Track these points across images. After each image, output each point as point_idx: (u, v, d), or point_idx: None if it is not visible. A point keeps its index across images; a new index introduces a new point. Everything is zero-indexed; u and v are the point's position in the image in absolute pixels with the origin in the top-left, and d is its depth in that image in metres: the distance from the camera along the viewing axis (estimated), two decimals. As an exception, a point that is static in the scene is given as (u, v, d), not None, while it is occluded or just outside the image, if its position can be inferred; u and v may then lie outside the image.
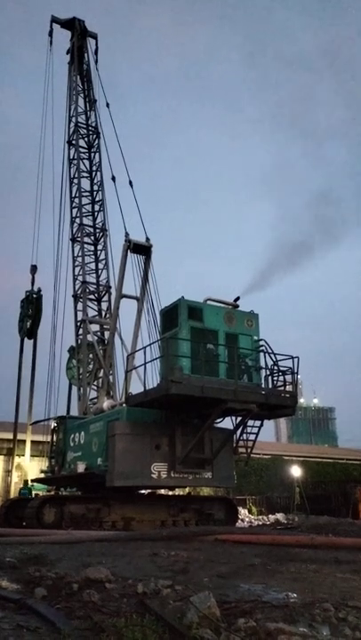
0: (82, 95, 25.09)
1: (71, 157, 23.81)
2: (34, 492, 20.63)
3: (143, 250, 19.41)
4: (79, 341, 21.39)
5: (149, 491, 16.76)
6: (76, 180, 23.32)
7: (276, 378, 14.76)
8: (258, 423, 15.27)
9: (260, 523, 23.93)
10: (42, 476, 19.73)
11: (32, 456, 25.20)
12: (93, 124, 24.55)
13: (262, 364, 14.81)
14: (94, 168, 24.02)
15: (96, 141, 24.29)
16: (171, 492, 18.03)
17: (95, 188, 23.72)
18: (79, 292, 21.89)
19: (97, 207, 23.46)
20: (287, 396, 14.79)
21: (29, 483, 22.23)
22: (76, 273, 22.21)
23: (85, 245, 22.56)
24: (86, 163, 24.08)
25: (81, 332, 21.41)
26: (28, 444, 24.99)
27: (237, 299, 15.53)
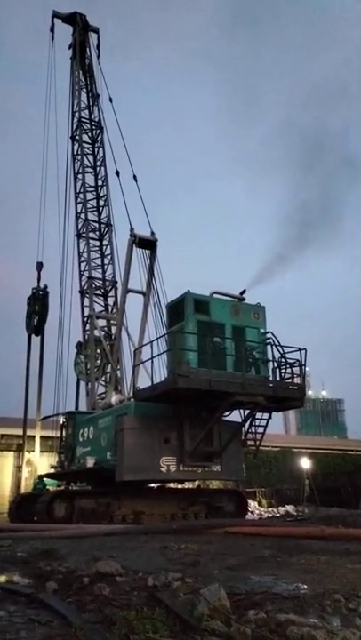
0: (84, 90, 24.98)
1: (75, 153, 23.76)
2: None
3: (149, 244, 19.36)
4: (86, 337, 21.42)
5: (159, 484, 16.81)
6: (80, 176, 23.27)
7: (283, 370, 14.72)
8: (266, 415, 15.25)
9: (270, 515, 23.98)
10: (52, 471, 19.84)
11: (42, 452, 25.33)
12: (97, 119, 24.45)
13: (270, 356, 14.79)
14: (98, 163, 23.95)
15: (100, 136, 24.20)
16: (180, 486, 18.08)
17: (99, 183, 23.66)
18: (85, 287, 21.91)
19: (102, 202, 23.41)
20: (295, 388, 14.76)
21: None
22: (82, 269, 22.22)
23: (91, 241, 22.54)
24: (90, 158, 24.01)
25: (88, 327, 21.43)
26: (38, 440, 25.12)
27: (244, 291, 15.50)
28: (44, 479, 21.22)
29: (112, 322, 21.90)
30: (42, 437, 25.10)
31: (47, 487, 19.33)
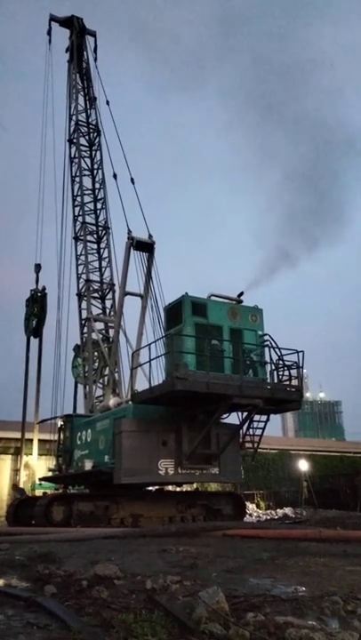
0: (82, 93, 25.03)
1: (72, 156, 23.77)
2: (40, 491, 20.74)
3: (146, 247, 19.38)
4: (84, 339, 21.41)
5: (157, 487, 16.80)
6: (77, 179, 23.31)
7: (281, 372, 14.73)
8: (264, 418, 15.25)
9: (269, 517, 23.96)
10: (50, 474, 19.81)
11: (40, 455, 25.30)
12: (94, 122, 24.49)
13: (267, 358, 14.80)
14: (95, 166, 23.99)
15: (97, 139, 24.24)
16: (178, 489, 18.06)
17: (97, 185, 23.69)
18: (83, 290, 21.90)
19: (99, 205, 23.43)
20: (293, 390, 14.76)
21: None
22: (80, 271, 22.21)
23: (88, 244, 22.56)
24: (87, 161, 24.04)
25: (86, 330, 21.43)
26: (36, 443, 25.08)
27: (241, 294, 15.50)
28: (41, 483, 21.29)
29: (110, 324, 21.91)
30: (40, 440, 25.07)
31: (38, 491, 19.57)
